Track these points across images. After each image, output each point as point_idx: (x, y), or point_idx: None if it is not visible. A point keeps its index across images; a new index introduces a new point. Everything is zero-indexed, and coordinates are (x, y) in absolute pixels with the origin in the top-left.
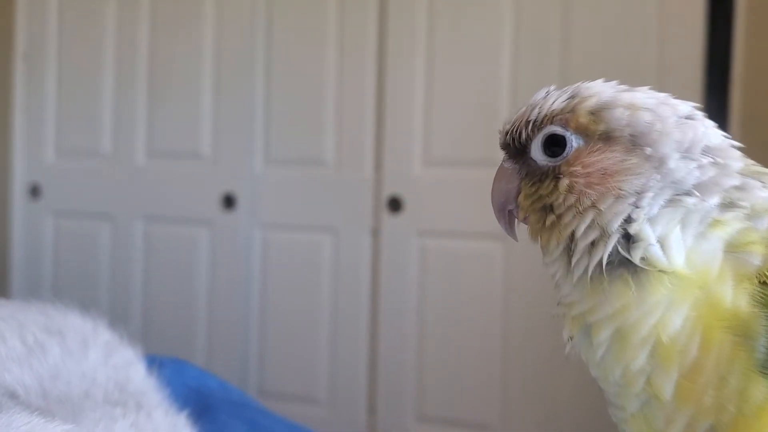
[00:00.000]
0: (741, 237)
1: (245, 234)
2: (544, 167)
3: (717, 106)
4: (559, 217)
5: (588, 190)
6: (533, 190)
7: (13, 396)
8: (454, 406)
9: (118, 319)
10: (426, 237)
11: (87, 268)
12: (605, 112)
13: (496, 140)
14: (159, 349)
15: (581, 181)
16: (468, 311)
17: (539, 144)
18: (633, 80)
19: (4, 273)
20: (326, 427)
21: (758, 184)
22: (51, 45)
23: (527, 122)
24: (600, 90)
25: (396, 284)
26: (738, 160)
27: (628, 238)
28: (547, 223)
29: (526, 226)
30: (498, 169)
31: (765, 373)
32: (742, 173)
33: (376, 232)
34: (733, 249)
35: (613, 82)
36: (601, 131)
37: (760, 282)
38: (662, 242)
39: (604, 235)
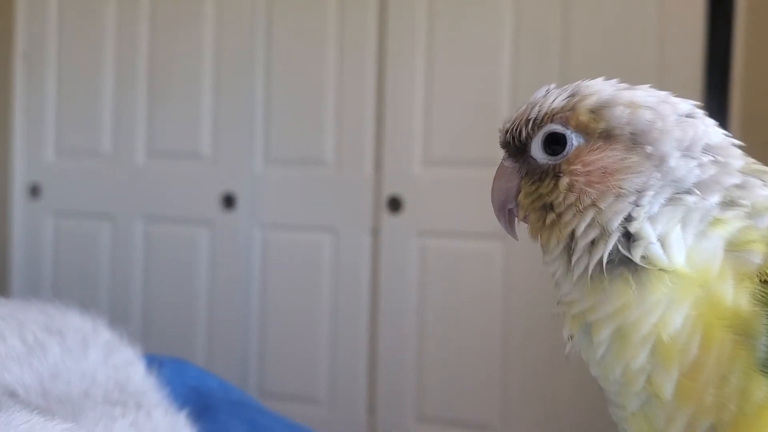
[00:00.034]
0: (741, 235)
1: (245, 234)
2: (544, 166)
3: (717, 106)
4: (559, 215)
5: (588, 189)
6: (533, 188)
7: (12, 395)
8: (454, 406)
9: (118, 319)
10: (426, 237)
11: (87, 267)
12: (605, 110)
13: (496, 140)
14: (159, 348)
15: (581, 179)
16: (468, 311)
17: (539, 142)
18: (633, 80)
19: (4, 272)
20: (326, 426)
21: (759, 182)
22: (51, 45)
23: (527, 120)
24: (600, 88)
25: (396, 284)
26: (739, 159)
27: (629, 237)
28: (547, 221)
29: (526, 224)
30: (498, 167)
31: (766, 372)
32: (743, 171)
33: (376, 232)
34: (734, 247)
35: (614, 81)
36: (601, 129)
37: (760, 280)
38: (663, 241)
39: (605, 233)
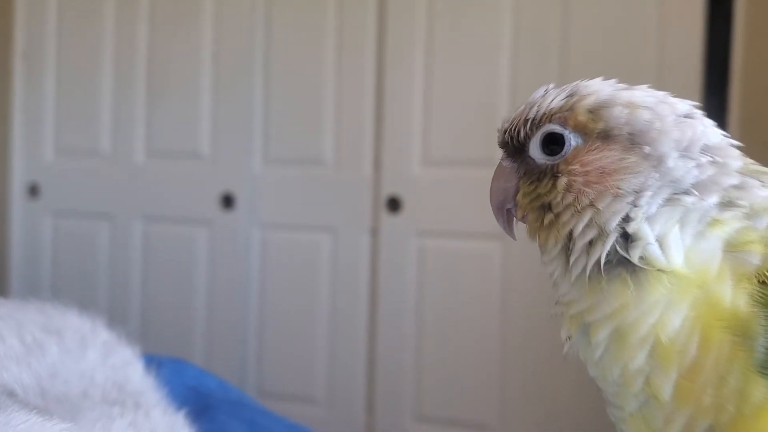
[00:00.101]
0: (740, 236)
1: (244, 234)
2: (542, 166)
3: (716, 106)
4: (557, 215)
5: (586, 189)
6: (531, 188)
7: (11, 395)
8: (452, 406)
9: (116, 319)
10: (425, 237)
11: (86, 267)
12: (604, 110)
13: (496, 140)
14: (157, 348)
15: (579, 179)
16: (467, 311)
17: (537, 142)
18: (632, 80)
19: (3, 272)
20: (325, 426)
21: (757, 183)
22: (50, 44)
23: (526, 120)
24: (599, 88)
25: (395, 284)
26: (737, 159)
27: (627, 237)
28: (546, 221)
29: (525, 224)
30: (497, 167)
31: (764, 373)
32: (742, 172)
33: (375, 232)
34: (732, 248)
35: (612, 81)
36: (599, 129)
37: (759, 281)
38: (661, 241)
39: (602, 234)
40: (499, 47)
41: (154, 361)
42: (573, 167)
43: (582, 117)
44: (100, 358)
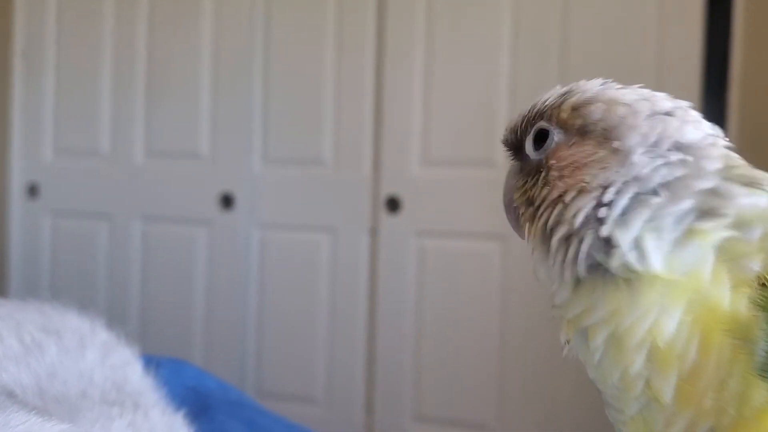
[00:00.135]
0: (732, 246)
1: (243, 234)
2: (534, 162)
3: (715, 107)
4: (537, 209)
5: (558, 183)
6: (521, 183)
7: (10, 395)
8: (451, 406)
9: (115, 319)
10: (424, 237)
11: (85, 267)
12: (584, 107)
13: (495, 140)
14: (157, 349)
15: (555, 173)
16: (466, 311)
17: (531, 139)
18: (632, 81)
19: (2, 272)
20: (324, 426)
21: (742, 190)
22: (49, 44)
23: (524, 119)
24: (590, 88)
25: (394, 284)
26: (715, 161)
27: (608, 242)
28: (527, 215)
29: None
30: (510, 166)
31: (765, 377)
32: (725, 176)
33: (374, 232)
34: (728, 256)
35: (609, 81)
36: (578, 125)
37: (759, 284)
38: (636, 246)
39: (574, 231)
40: (498, 47)
41: (153, 362)
42: (552, 162)
43: (564, 114)
44: (99, 359)
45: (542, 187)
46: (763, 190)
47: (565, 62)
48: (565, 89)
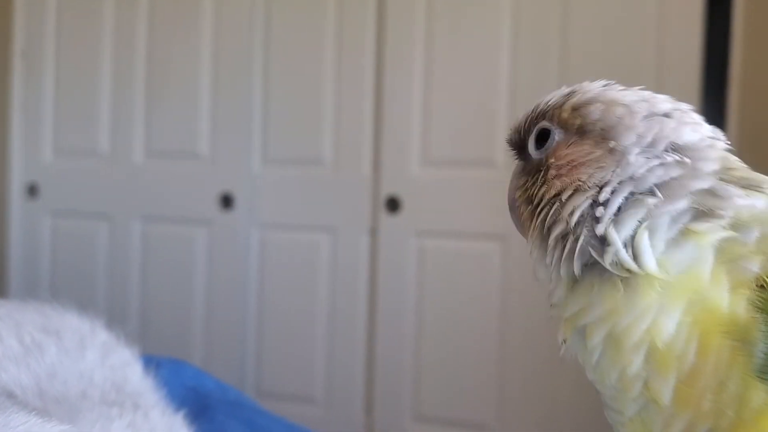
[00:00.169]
0: (730, 247)
1: (243, 234)
2: (535, 161)
3: (715, 107)
4: (535, 207)
5: (556, 181)
6: (522, 182)
7: (10, 395)
8: (451, 406)
9: (115, 319)
10: (424, 237)
11: (84, 267)
12: (584, 107)
13: (495, 140)
14: (156, 349)
15: (553, 172)
16: (466, 311)
17: (533, 139)
18: (631, 81)
19: (2, 273)
20: (323, 426)
21: (739, 191)
22: (49, 44)
23: (527, 118)
24: (592, 88)
25: (394, 284)
26: (712, 162)
27: (603, 241)
28: (527, 214)
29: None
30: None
31: (763, 378)
32: (722, 177)
33: (374, 232)
34: (727, 257)
35: (612, 83)
36: (577, 125)
37: (758, 285)
38: (631, 245)
39: (569, 229)
40: (498, 48)
41: (152, 362)
42: (551, 161)
43: (565, 114)
44: (99, 359)
45: (541, 186)
46: (760, 192)
47: (565, 62)
48: (568, 90)
